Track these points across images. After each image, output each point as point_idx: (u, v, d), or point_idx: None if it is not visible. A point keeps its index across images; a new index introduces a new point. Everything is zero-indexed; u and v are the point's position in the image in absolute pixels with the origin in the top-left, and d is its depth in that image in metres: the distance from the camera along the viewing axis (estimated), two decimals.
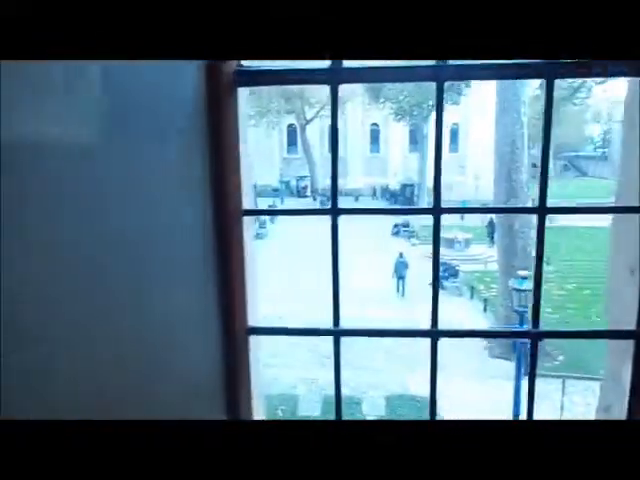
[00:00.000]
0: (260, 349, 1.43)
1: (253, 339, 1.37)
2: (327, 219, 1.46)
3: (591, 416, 9.44)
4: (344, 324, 1.46)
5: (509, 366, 11.59)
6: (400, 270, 18.58)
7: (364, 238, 26.46)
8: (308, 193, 47.19)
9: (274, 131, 47.03)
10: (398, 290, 18.55)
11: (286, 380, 11.18)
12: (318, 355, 12.57)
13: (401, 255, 19.04)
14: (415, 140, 44.52)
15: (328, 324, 1.43)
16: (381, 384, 10.98)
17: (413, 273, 20.48)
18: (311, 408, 9.89)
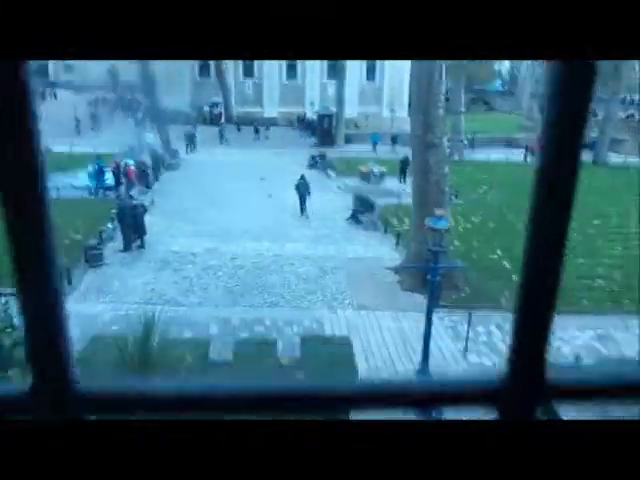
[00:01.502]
0: None
1: None
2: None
3: (493, 344, 10.02)
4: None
5: (419, 299, 12.05)
6: (301, 190, 19.09)
7: (278, 169, 25.88)
8: (222, 120, 45.03)
9: None
10: (302, 211, 19.17)
11: None
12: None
13: (302, 177, 19.60)
14: (333, 66, 43.30)
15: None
16: (297, 322, 10.96)
17: (325, 203, 20.50)
18: None
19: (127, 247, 14.60)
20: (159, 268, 13.59)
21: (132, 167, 21.86)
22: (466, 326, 9.99)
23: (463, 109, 34.07)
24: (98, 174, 21.10)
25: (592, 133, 36.94)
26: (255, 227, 17.47)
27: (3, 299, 6.53)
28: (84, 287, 12.26)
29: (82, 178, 22.83)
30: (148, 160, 22.80)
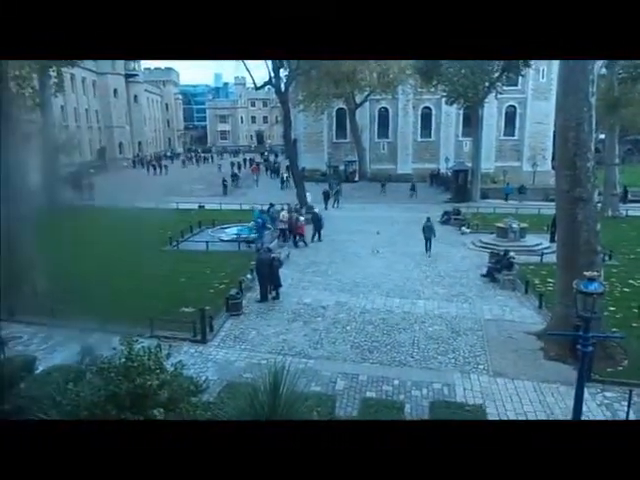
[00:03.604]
0: None
1: None
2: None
3: None
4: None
5: (565, 369, 10.77)
6: (426, 232, 21.20)
7: (411, 225, 25.69)
8: (356, 178, 46.66)
9: (323, 115, 46.49)
10: (427, 250, 21.14)
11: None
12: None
13: (428, 219, 21.72)
14: (468, 123, 42.77)
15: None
16: (426, 384, 10.42)
17: (458, 260, 19.70)
18: None
19: (263, 298, 15.40)
20: (291, 319, 14.04)
21: (303, 222, 23.45)
22: (625, 406, 8.62)
23: (618, 161, 31.12)
24: (260, 228, 22.84)
25: None
26: (386, 282, 17.36)
27: (156, 342, 7.16)
28: (224, 334, 13.08)
29: (229, 232, 24.97)
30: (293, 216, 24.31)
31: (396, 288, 16.79)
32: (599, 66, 23.76)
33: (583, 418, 7.83)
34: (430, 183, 44.51)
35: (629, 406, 8.35)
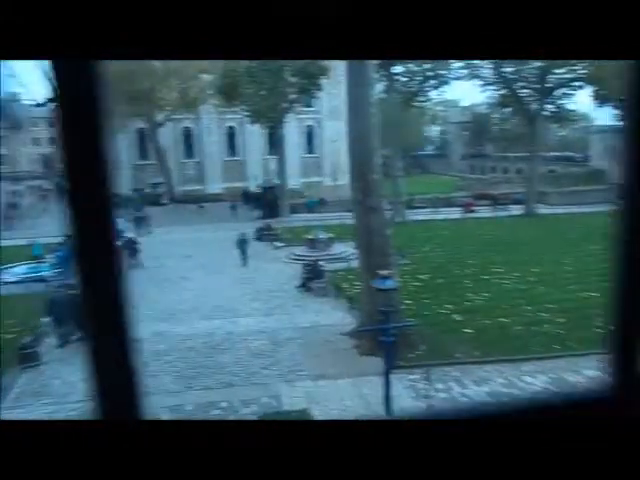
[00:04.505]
0: None
1: None
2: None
3: (454, 399, 9.88)
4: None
5: (378, 362, 11.85)
6: (242, 245, 22.84)
7: (225, 244, 25.64)
8: (165, 200, 44.88)
9: (121, 136, 43.84)
10: (244, 262, 22.54)
11: None
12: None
13: (242, 234, 23.24)
14: (272, 142, 44.63)
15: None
16: (254, 400, 10.44)
17: (274, 274, 20.34)
18: None
19: (64, 342, 13.59)
20: None
21: (121, 248, 21.08)
22: (425, 384, 9.82)
23: (401, 173, 35.66)
24: (66, 261, 20.03)
25: (520, 188, 39.52)
26: (204, 304, 16.96)
27: None
28: (19, 391, 11.26)
29: (16, 272, 21.70)
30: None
31: (215, 309, 16.53)
32: (378, 92, 27.00)
33: (395, 401, 8.67)
34: (243, 202, 45.09)
35: (428, 383, 9.50)
